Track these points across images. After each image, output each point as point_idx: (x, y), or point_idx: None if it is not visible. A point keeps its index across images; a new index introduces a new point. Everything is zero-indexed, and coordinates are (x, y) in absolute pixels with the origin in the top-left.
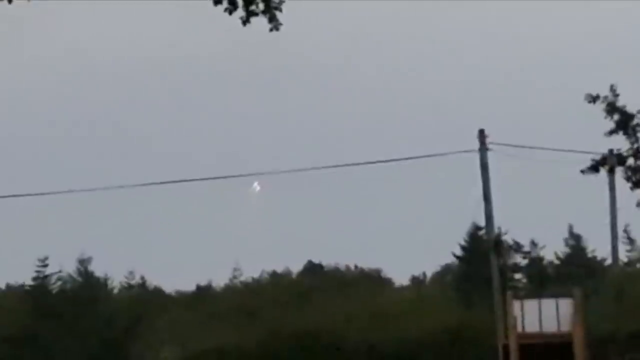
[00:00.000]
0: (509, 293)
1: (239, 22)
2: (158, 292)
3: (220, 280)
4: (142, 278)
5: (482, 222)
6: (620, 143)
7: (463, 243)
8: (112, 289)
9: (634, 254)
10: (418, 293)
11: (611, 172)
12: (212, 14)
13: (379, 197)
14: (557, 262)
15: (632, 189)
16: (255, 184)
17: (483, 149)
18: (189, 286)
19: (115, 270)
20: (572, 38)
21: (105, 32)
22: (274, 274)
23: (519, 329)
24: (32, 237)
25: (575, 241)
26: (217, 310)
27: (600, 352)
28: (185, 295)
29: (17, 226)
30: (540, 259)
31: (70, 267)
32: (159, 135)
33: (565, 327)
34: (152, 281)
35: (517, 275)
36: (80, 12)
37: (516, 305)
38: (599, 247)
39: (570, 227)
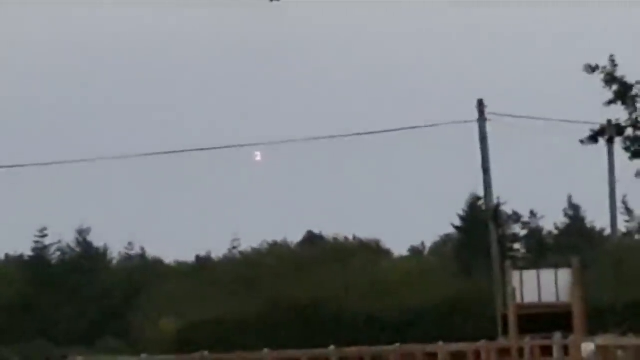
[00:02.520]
0: (508, 263)
1: None
2: (157, 262)
3: (219, 251)
4: (142, 248)
5: (481, 192)
6: (619, 113)
7: (462, 213)
8: (111, 260)
9: (632, 225)
10: (417, 263)
11: (610, 142)
12: None
13: (378, 167)
14: (556, 232)
15: (630, 159)
16: (257, 153)
17: (482, 119)
18: (189, 257)
19: (114, 240)
20: (571, 8)
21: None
22: (273, 244)
23: (518, 298)
24: (31, 207)
25: (574, 211)
26: (216, 280)
27: (599, 322)
28: (184, 266)
29: (16, 197)
30: (539, 229)
31: (69, 238)
32: (158, 105)
33: (564, 297)
34: (152, 252)
35: (516, 246)
36: None
37: (515, 275)
38: (598, 217)
39: (570, 198)
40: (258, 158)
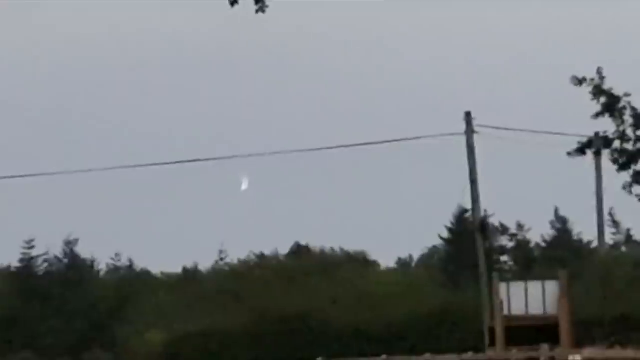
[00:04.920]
0: (495, 275)
1: (227, 2)
2: (145, 273)
3: (206, 263)
4: (130, 260)
5: (468, 205)
6: (607, 126)
7: (449, 225)
8: (98, 271)
9: (619, 237)
10: (404, 275)
11: (597, 154)
12: None
13: (365, 179)
14: (543, 244)
15: (618, 171)
16: (244, 180)
17: (469, 131)
18: (176, 268)
19: (102, 252)
20: (558, 21)
21: (85, 11)
22: (260, 256)
23: (505, 311)
24: (18, 219)
25: (561, 224)
26: (203, 292)
27: (586, 334)
28: (171, 277)
29: (3, 208)
30: (527, 241)
31: (56, 249)
32: (145, 118)
33: (551, 310)
34: (139, 263)
35: (504, 258)
36: None
37: (502, 287)
38: (585, 229)
39: (557, 210)
40: (246, 185)
